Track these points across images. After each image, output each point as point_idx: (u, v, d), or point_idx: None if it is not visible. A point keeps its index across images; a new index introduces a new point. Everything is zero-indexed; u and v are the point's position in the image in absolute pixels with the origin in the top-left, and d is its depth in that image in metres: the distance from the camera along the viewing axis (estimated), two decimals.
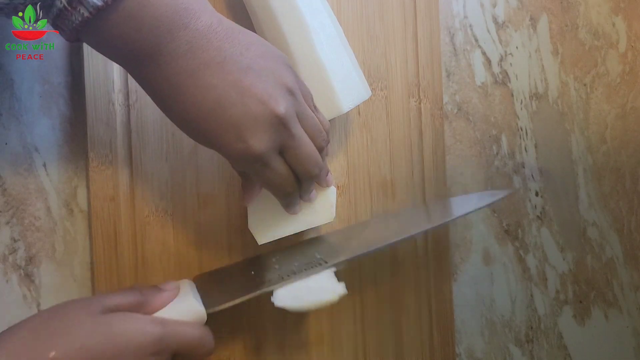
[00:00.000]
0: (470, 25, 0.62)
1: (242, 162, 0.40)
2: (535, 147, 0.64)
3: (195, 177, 0.51)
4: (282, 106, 0.38)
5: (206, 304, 0.44)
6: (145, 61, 0.37)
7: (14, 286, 0.49)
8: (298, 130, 0.41)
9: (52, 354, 0.35)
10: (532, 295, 0.64)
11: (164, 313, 0.43)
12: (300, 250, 0.51)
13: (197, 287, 0.46)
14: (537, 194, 0.65)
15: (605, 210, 0.67)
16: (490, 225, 0.63)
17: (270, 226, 0.48)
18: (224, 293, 0.46)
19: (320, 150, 0.43)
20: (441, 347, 0.58)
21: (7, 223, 0.48)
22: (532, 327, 0.64)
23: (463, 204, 0.56)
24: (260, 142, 0.38)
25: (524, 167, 0.64)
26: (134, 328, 0.39)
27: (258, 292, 0.45)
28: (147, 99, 0.49)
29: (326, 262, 0.47)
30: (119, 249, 0.49)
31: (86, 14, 0.35)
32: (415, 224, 0.53)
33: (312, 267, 0.47)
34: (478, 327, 0.63)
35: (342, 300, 0.53)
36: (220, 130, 0.38)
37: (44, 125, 0.50)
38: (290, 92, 0.40)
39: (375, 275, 0.56)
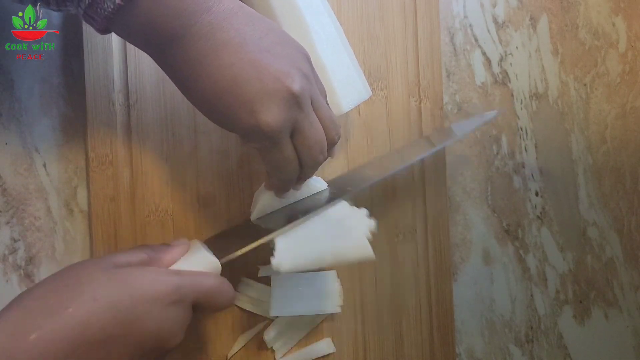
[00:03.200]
0: (470, 25, 0.62)
1: (253, 139, 0.40)
2: (535, 147, 0.64)
3: (196, 177, 0.51)
4: (297, 84, 0.39)
5: (218, 256, 0.43)
6: (169, 45, 0.38)
7: (14, 286, 0.49)
8: (311, 113, 0.41)
9: (69, 310, 0.35)
10: (532, 295, 0.64)
11: (177, 267, 0.42)
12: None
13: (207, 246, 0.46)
14: (537, 194, 0.65)
15: (605, 210, 0.67)
16: (490, 225, 0.63)
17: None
18: (235, 245, 0.45)
19: (332, 144, 0.43)
20: (441, 347, 0.58)
21: (7, 223, 0.48)
22: (532, 327, 0.64)
23: (462, 128, 0.57)
24: (272, 117, 0.38)
25: (524, 167, 0.64)
26: (150, 278, 0.38)
27: (272, 236, 0.45)
28: (148, 100, 0.50)
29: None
30: (120, 249, 0.49)
31: (118, 0, 0.36)
32: (418, 152, 0.54)
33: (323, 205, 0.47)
34: (478, 327, 0.63)
35: (342, 301, 0.54)
36: (235, 107, 0.38)
37: (44, 125, 0.50)
38: (306, 77, 0.40)
39: (375, 275, 0.56)
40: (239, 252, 0.44)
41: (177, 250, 0.43)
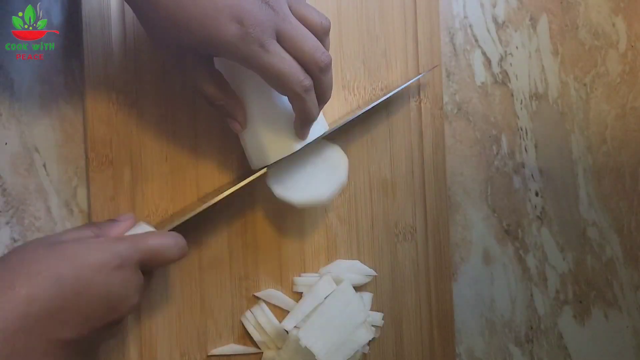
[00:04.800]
0: (470, 25, 0.62)
1: (239, 46, 0.39)
2: (535, 147, 0.64)
3: (196, 176, 0.51)
4: None
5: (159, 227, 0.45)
6: None
7: None
8: (289, 16, 0.40)
9: (15, 288, 0.35)
10: (532, 295, 0.64)
11: None
12: None
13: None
14: (537, 194, 0.65)
15: (605, 210, 0.67)
16: (490, 225, 0.63)
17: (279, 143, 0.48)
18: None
19: (324, 30, 0.43)
20: (441, 347, 0.58)
21: (7, 223, 0.48)
22: (532, 327, 0.64)
23: None
24: (254, 19, 0.38)
25: (524, 167, 0.64)
26: (91, 247, 0.39)
27: (217, 199, 0.46)
28: (147, 99, 0.49)
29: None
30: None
31: None
32: None
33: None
34: (478, 327, 0.63)
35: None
36: (213, 13, 0.38)
37: (44, 125, 0.50)
38: None
39: (375, 274, 0.56)
40: (177, 222, 0.45)
41: (123, 225, 0.44)
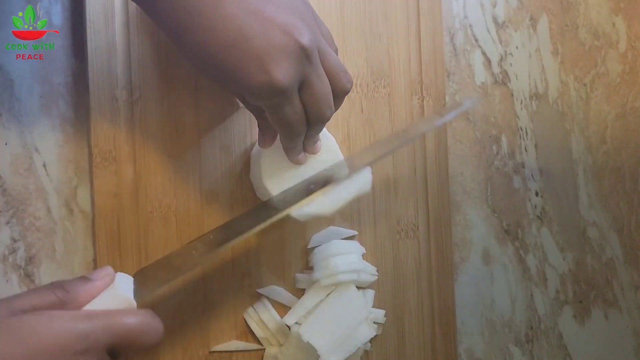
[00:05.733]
0: (470, 25, 0.62)
1: (262, 96, 0.38)
2: (535, 147, 0.64)
3: (199, 173, 0.51)
4: (306, 37, 0.37)
5: (138, 293, 0.38)
6: None
7: (14, 286, 0.48)
8: (319, 66, 0.39)
9: None
10: (532, 295, 0.64)
11: (94, 305, 0.36)
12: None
13: (135, 280, 0.40)
14: (537, 194, 0.65)
15: (605, 210, 0.67)
16: (490, 225, 0.63)
17: (283, 178, 0.48)
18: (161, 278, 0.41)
19: (344, 93, 0.42)
20: (443, 345, 0.58)
21: (7, 223, 0.48)
22: (532, 327, 0.64)
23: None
24: (284, 73, 0.37)
25: (524, 167, 0.64)
26: (52, 327, 0.33)
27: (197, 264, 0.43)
28: (151, 96, 0.49)
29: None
30: (122, 245, 0.49)
31: None
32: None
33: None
34: (478, 327, 0.62)
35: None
36: (242, 62, 0.37)
37: (44, 125, 0.50)
38: (311, 28, 0.39)
39: (377, 272, 0.56)
40: (160, 287, 0.41)
41: (96, 285, 0.37)
